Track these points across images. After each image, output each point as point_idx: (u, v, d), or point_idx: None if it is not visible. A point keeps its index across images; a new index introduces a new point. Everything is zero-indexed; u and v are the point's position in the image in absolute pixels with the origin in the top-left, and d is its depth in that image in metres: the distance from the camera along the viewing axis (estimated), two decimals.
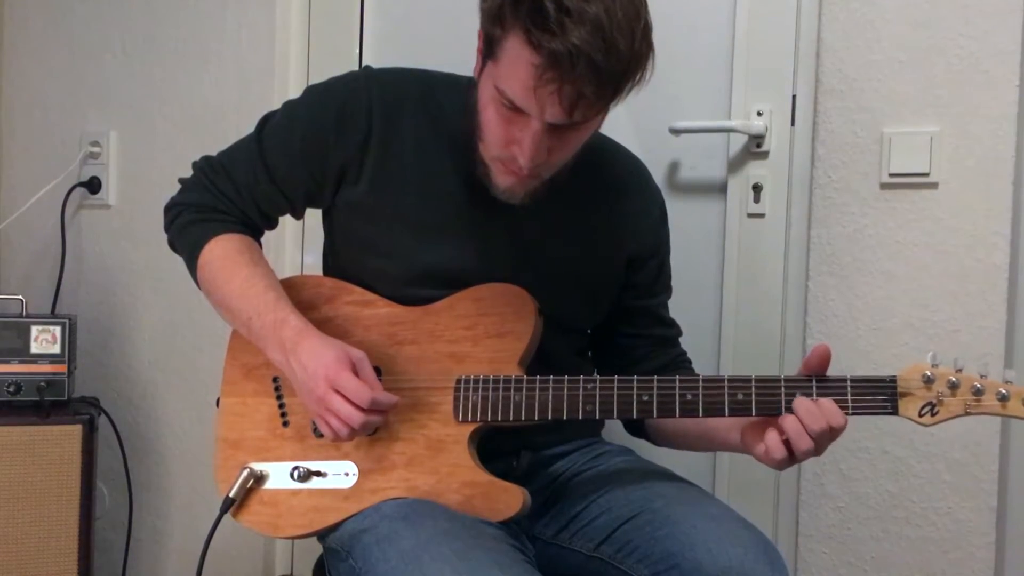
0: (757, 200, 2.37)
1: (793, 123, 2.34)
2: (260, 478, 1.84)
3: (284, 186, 1.88)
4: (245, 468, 1.84)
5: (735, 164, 2.40)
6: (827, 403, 1.61)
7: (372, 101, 1.81)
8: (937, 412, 1.60)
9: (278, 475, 1.83)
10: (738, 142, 2.39)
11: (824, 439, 1.62)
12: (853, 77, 2.30)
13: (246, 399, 1.89)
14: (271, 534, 1.86)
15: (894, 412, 1.62)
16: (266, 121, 1.91)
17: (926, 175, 2.25)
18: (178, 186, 1.95)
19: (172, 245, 1.95)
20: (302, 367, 1.70)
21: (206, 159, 1.94)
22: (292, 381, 1.75)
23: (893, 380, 1.62)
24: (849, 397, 1.62)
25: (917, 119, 2.26)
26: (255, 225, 1.94)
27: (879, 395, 1.62)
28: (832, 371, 2.26)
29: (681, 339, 2.06)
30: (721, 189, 2.42)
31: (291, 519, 1.82)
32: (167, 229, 1.95)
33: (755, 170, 2.37)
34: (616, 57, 1.55)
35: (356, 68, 2.65)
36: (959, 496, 2.27)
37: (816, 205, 2.34)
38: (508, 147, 1.67)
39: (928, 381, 1.60)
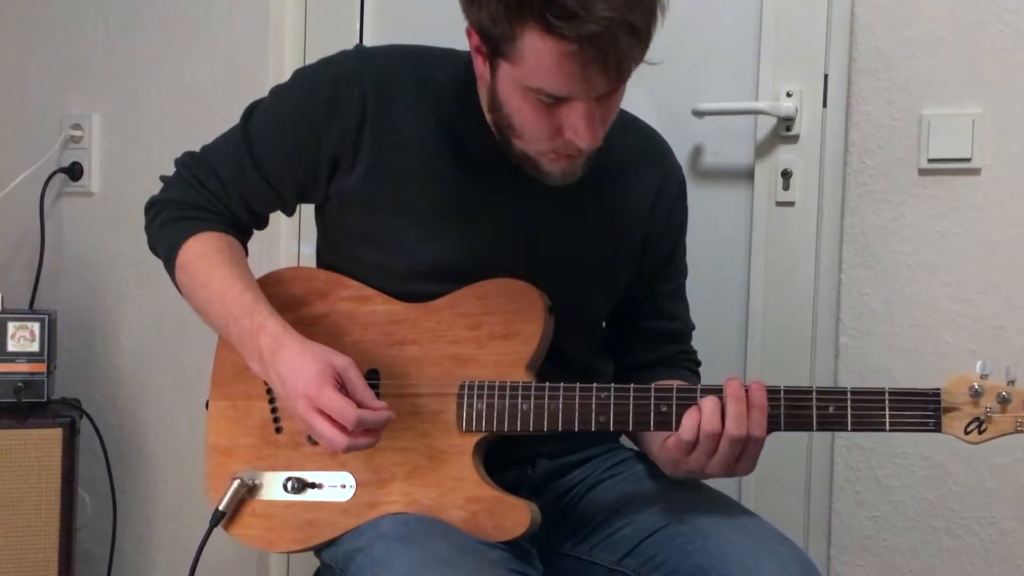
0: (786, 187, 2.36)
1: (825, 105, 2.33)
2: (253, 488, 1.83)
3: (274, 179, 1.86)
4: (236, 478, 1.83)
5: (763, 149, 2.39)
6: (755, 399, 1.63)
7: (364, 83, 1.79)
8: (985, 429, 1.58)
9: (271, 485, 1.83)
10: (766, 125, 2.39)
11: (727, 445, 1.63)
12: (889, 55, 2.30)
13: (236, 402, 1.89)
14: (265, 549, 1.86)
15: (937, 429, 1.59)
16: (252, 110, 1.89)
17: (968, 160, 2.25)
18: (164, 172, 1.95)
19: (152, 247, 1.94)
20: (281, 381, 1.68)
21: (189, 154, 1.93)
22: (275, 391, 1.74)
23: (937, 393, 1.59)
24: (887, 412, 1.60)
25: (958, 100, 2.26)
26: (242, 224, 1.92)
27: (921, 410, 1.59)
28: (867, 370, 2.29)
29: (690, 335, 2.04)
30: (748, 175, 2.42)
31: (286, 533, 1.82)
32: (147, 229, 1.94)
33: (784, 155, 2.37)
34: (646, 4, 1.52)
35: (357, 44, 2.67)
36: (1003, 505, 2.27)
37: (850, 193, 2.34)
38: (558, 136, 1.64)
39: (976, 395, 1.58)
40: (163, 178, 1.95)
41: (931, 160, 2.27)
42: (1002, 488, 2.26)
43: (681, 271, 2.02)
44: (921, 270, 2.30)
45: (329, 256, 1.95)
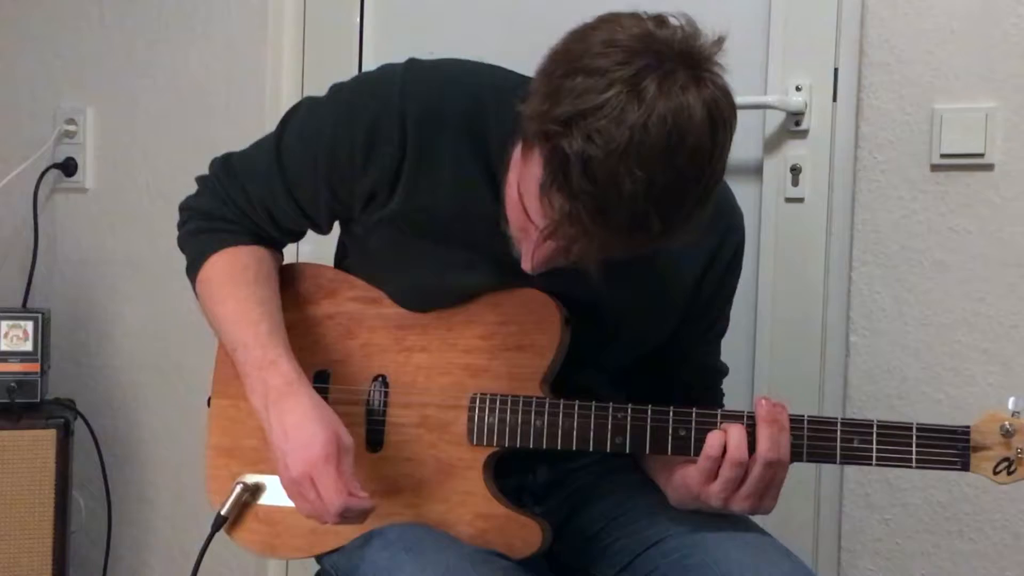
0: (796, 183, 2.36)
1: (835, 99, 2.33)
2: (256, 491, 1.83)
3: (306, 206, 1.80)
4: (239, 483, 1.82)
5: (772, 144, 2.39)
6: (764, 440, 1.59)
7: (406, 122, 1.68)
8: (1014, 470, 1.56)
9: (275, 490, 1.80)
10: (775, 120, 2.38)
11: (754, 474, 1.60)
12: (901, 48, 2.29)
13: (239, 402, 1.84)
14: (268, 555, 1.86)
15: (965, 468, 1.57)
16: (286, 123, 1.82)
17: (981, 156, 2.24)
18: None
19: (181, 249, 1.91)
20: (283, 432, 1.66)
21: (223, 160, 1.88)
22: (267, 432, 1.69)
23: (966, 432, 1.57)
24: (914, 448, 1.58)
25: (971, 94, 2.25)
26: (271, 238, 1.87)
27: (949, 448, 1.57)
28: (878, 370, 2.28)
29: (722, 379, 1.99)
30: (756, 171, 2.41)
31: (289, 540, 1.81)
32: (178, 229, 1.91)
33: (794, 150, 2.37)
34: (644, 235, 1.42)
35: (356, 37, 2.66)
36: (1016, 508, 2.26)
37: (860, 189, 2.33)
38: (519, 233, 1.55)
39: (1007, 434, 1.55)
40: (198, 180, 1.90)
41: (943, 155, 2.26)
42: (1015, 491, 2.23)
43: (724, 329, 1.95)
44: (933, 267, 2.29)
45: (350, 269, 1.90)
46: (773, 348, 2.40)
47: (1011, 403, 1.57)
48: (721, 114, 1.42)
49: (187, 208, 1.90)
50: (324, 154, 1.74)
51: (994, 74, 2.23)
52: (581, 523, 1.84)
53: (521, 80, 1.60)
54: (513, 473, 1.79)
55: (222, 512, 1.82)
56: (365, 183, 1.72)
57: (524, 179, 1.47)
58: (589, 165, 1.35)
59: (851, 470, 2.35)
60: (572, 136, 1.36)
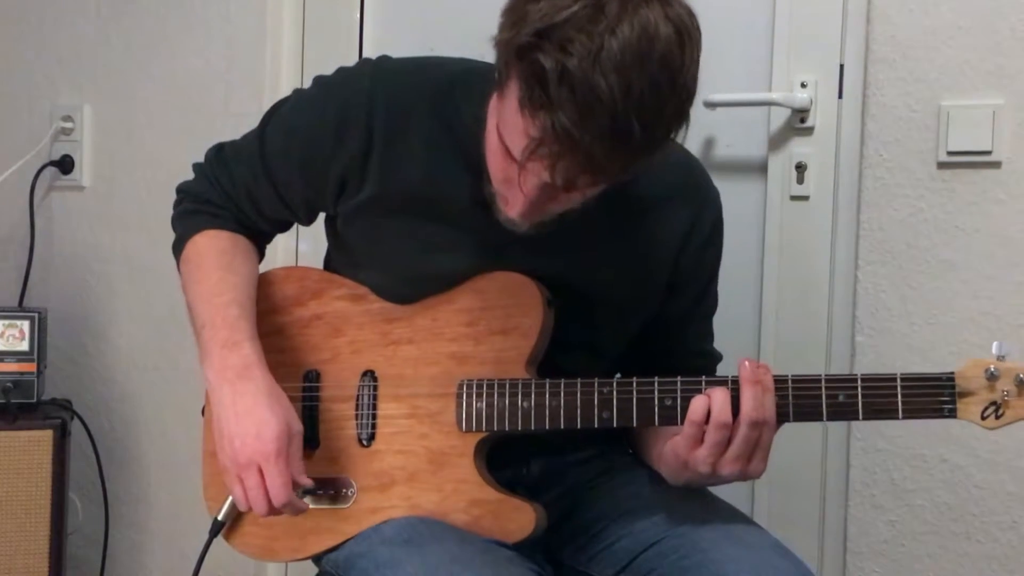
0: (801, 181, 2.36)
1: (841, 96, 2.33)
2: None
3: (284, 192, 1.84)
4: None
5: (777, 141, 2.39)
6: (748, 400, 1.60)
7: (374, 108, 1.73)
8: (1002, 414, 1.56)
9: None
10: (780, 117, 2.38)
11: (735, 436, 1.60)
12: (907, 44, 2.29)
13: None
14: (266, 558, 1.86)
15: (952, 415, 1.58)
16: (273, 113, 1.87)
17: (988, 153, 2.24)
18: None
19: (173, 229, 1.95)
20: (235, 418, 1.68)
21: (216, 147, 1.93)
22: (214, 406, 1.71)
23: (951, 377, 1.58)
24: (900, 398, 1.58)
25: (978, 91, 2.25)
26: (255, 227, 1.91)
27: (935, 395, 1.58)
28: (884, 369, 2.26)
29: (716, 366, 1.97)
30: (761, 169, 2.41)
31: (286, 542, 1.81)
32: (173, 209, 1.96)
33: (799, 148, 2.37)
34: (626, 144, 1.44)
35: (356, 33, 2.66)
36: None
37: (866, 186, 2.33)
38: (504, 185, 1.58)
39: (992, 378, 1.56)
40: (195, 166, 1.95)
41: (950, 153, 2.26)
42: (1023, 492, 2.26)
43: (712, 308, 1.95)
44: (939, 266, 2.29)
45: (335, 268, 1.93)
46: (777, 348, 2.39)
47: (995, 347, 1.58)
48: (687, 28, 1.46)
49: (181, 190, 1.95)
50: (297, 144, 1.80)
51: (1002, 71, 2.23)
52: (583, 522, 1.84)
53: (490, 72, 1.62)
54: (506, 466, 1.80)
55: (219, 518, 1.82)
56: (336, 168, 1.76)
57: (503, 115, 1.51)
58: (565, 74, 1.39)
59: (856, 471, 2.35)
60: (544, 50, 1.40)
